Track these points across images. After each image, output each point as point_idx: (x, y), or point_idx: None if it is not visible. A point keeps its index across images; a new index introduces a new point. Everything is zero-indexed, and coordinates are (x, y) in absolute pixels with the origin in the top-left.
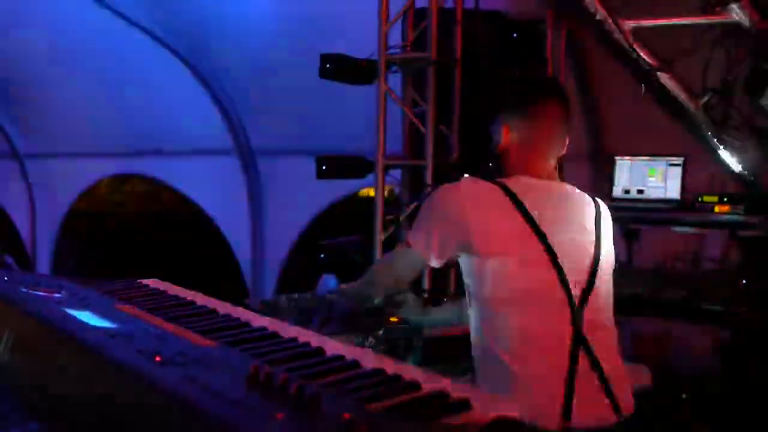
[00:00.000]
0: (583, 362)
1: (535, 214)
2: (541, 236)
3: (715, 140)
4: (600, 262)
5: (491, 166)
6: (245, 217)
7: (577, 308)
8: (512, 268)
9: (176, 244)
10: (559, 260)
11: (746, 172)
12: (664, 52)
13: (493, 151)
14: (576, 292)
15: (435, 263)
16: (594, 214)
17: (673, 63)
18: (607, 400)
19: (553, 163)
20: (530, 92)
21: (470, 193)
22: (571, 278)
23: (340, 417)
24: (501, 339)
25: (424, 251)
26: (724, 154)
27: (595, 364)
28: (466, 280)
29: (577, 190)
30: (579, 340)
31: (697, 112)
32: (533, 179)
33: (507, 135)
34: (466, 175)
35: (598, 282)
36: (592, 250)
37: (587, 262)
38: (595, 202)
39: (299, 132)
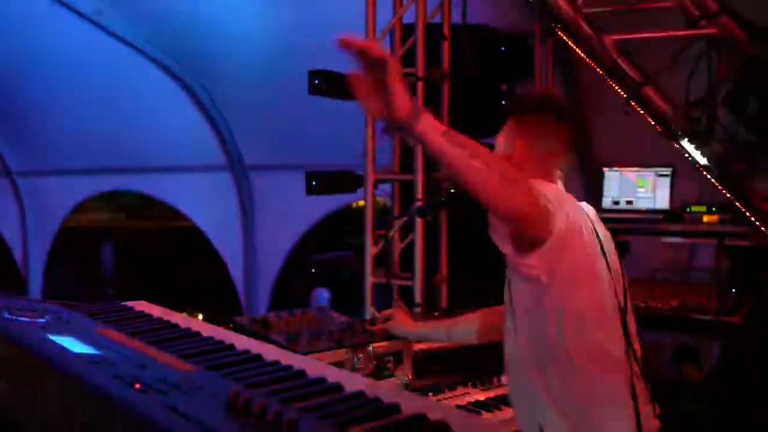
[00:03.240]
0: (636, 375)
1: (597, 231)
2: (603, 252)
3: (699, 153)
4: (626, 279)
5: None
6: (238, 232)
7: (624, 323)
8: (589, 285)
9: (169, 259)
10: (612, 276)
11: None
12: (648, 65)
13: None
14: (621, 307)
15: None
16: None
17: (657, 76)
18: (652, 406)
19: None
20: (548, 108)
21: (572, 202)
22: (618, 293)
23: None
24: (573, 356)
25: (543, 203)
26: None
27: (642, 376)
28: (524, 298)
29: None
30: (631, 354)
31: (681, 125)
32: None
33: (522, 149)
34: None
35: (629, 298)
36: (621, 266)
37: (623, 279)
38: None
39: (291, 147)
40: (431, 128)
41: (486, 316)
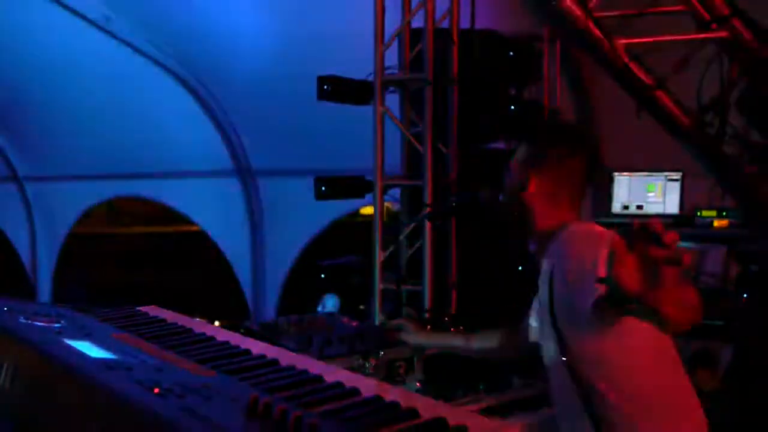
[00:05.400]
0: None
1: None
2: None
3: (711, 156)
4: None
5: (506, 206)
6: (245, 237)
7: None
8: None
9: (177, 264)
10: None
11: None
12: (659, 69)
13: (511, 192)
14: None
15: None
16: None
17: (668, 80)
18: None
19: None
20: (566, 142)
21: None
22: None
23: None
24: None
25: None
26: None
27: None
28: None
29: None
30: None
31: (692, 128)
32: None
33: (535, 182)
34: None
35: None
36: None
37: None
38: None
39: (299, 152)
40: None
41: (509, 333)
